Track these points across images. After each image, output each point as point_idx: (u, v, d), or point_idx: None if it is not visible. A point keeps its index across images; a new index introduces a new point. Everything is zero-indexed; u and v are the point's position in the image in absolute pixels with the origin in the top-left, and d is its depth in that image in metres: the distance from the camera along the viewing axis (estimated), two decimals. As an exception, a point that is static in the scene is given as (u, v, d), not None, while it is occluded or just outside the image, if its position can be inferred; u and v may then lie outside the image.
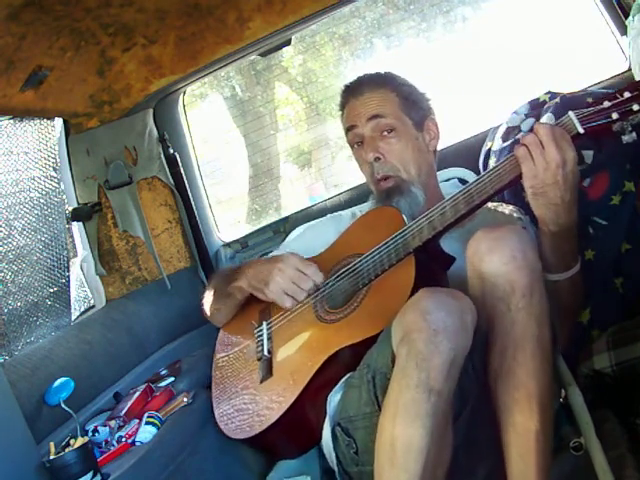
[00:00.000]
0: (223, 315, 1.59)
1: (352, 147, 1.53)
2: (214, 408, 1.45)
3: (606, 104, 1.11)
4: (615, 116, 1.10)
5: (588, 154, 1.46)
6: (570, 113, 1.15)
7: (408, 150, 1.46)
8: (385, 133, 1.45)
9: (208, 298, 1.59)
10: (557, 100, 1.56)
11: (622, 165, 1.49)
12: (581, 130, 1.13)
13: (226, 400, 1.44)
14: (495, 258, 1.08)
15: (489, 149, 1.71)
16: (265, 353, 1.41)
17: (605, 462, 1.10)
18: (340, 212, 1.68)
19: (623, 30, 1.70)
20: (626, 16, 1.62)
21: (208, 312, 1.60)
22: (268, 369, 1.39)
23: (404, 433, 0.98)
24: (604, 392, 1.31)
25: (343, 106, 1.54)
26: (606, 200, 1.49)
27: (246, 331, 1.52)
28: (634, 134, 1.10)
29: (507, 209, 1.49)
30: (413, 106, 1.49)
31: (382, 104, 1.46)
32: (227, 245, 2.12)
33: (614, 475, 1.08)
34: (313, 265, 1.40)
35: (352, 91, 1.51)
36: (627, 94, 1.10)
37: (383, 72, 1.54)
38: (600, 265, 1.49)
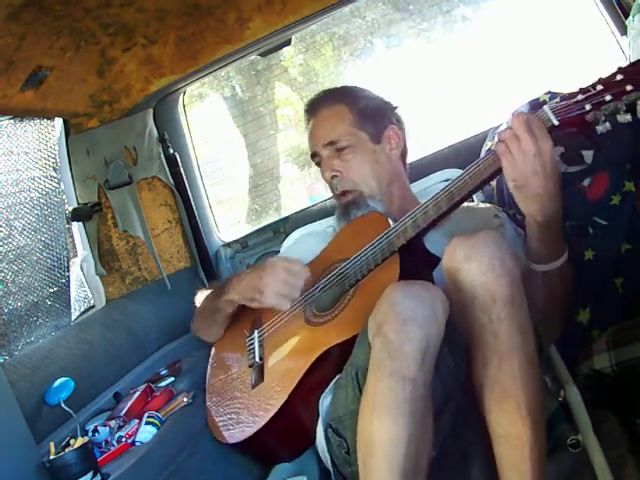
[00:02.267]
0: (214, 332, 1.60)
1: (317, 167, 1.57)
2: (208, 419, 1.44)
3: (579, 97, 1.12)
4: (588, 107, 1.11)
5: (588, 154, 1.47)
6: (545, 107, 1.16)
7: (365, 164, 1.49)
8: (340, 151, 1.49)
9: (197, 317, 1.60)
10: (557, 100, 1.56)
11: (622, 165, 1.49)
12: (555, 122, 1.14)
13: (220, 408, 1.44)
14: (473, 267, 1.06)
15: (489, 149, 1.71)
16: (256, 359, 1.42)
17: (604, 461, 1.09)
18: (328, 221, 1.68)
19: (623, 30, 1.70)
20: (626, 16, 1.62)
21: (199, 330, 1.62)
22: (260, 375, 1.40)
23: (382, 423, 0.98)
24: (604, 392, 1.31)
25: (307, 125, 1.58)
26: (606, 200, 1.49)
27: (238, 342, 1.53)
28: (608, 124, 1.10)
29: (484, 207, 1.50)
30: (369, 120, 1.51)
31: (335, 125, 1.50)
32: (227, 245, 2.13)
33: (613, 475, 1.08)
34: (299, 261, 1.41)
35: (310, 110, 1.57)
36: (599, 87, 1.11)
37: (340, 87, 1.60)
38: (600, 265, 1.49)
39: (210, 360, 1.60)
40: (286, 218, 2.09)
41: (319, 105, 1.55)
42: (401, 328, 0.99)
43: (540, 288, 1.22)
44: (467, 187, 1.22)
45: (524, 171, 1.13)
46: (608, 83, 1.10)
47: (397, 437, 0.97)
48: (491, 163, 1.20)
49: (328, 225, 1.66)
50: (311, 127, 1.56)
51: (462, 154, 1.82)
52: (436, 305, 1.03)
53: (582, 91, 1.13)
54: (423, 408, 1.00)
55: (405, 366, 0.98)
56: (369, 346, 1.07)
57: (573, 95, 1.13)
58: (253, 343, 1.47)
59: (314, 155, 1.55)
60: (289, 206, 4.87)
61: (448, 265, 1.11)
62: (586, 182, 1.49)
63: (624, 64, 1.76)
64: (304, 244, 1.63)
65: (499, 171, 1.19)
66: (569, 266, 1.27)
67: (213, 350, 1.61)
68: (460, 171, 1.73)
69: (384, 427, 0.98)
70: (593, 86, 1.12)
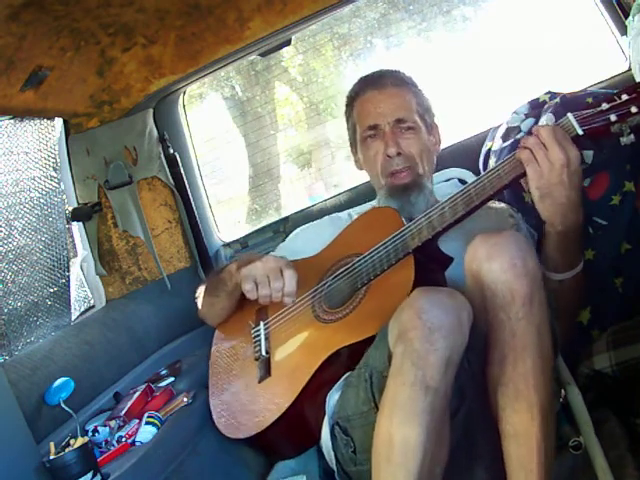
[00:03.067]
0: (217, 310, 1.57)
1: (364, 140, 1.51)
2: (212, 409, 1.44)
3: (604, 106, 1.11)
4: (614, 118, 1.10)
5: (588, 154, 1.46)
6: (569, 115, 1.15)
7: (424, 148, 1.49)
8: (404, 130, 1.47)
9: (202, 294, 1.58)
10: (557, 100, 1.56)
11: (622, 165, 1.49)
12: (580, 132, 1.13)
13: (224, 400, 1.44)
14: (494, 265, 1.07)
15: (489, 149, 1.71)
16: (263, 353, 1.41)
17: (604, 461, 1.10)
18: (337, 214, 1.69)
19: (623, 30, 1.70)
20: (626, 16, 1.62)
21: (203, 309, 1.59)
22: (266, 369, 1.39)
23: (401, 431, 0.98)
24: (604, 392, 1.31)
25: (356, 96, 1.53)
26: (606, 200, 1.49)
27: (243, 331, 1.52)
28: (632, 136, 1.10)
29: (499, 206, 1.50)
30: (426, 110, 1.53)
31: (405, 105, 1.48)
32: (227, 245, 2.12)
33: (614, 474, 1.08)
34: (294, 274, 1.37)
35: (373, 82, 1.51)
36: (625, 96, 1.10)
37: (402, 72, 1.56)
38: (600, 265, 1.49)
39: (213, 349, 1.58)
40: (286, 218, 2.09)
41: (386, 80, 1.50)
42: (427, 337, 0.99)
43: (553, 296, 1.22)
44: (486, 192, 1.21)
45: (550, 180, 1.13)
46: (634, 93, 1.09)
47: (416, 446, 0.97)
48: (511, 169, 1.19)
49: (347, 213, 1.65)
50: (375, 99, 1.49)
51: (462, 154, 1.82)
52: (461, 314, 1.03)
53: (607, 99, 1.11)
54: (442, 418, 1.01)
55: (429, 376, 0.98)
56: (388, 350, 1.07)
57: (596, 103, 1.12)
58: (259, 336, 1.46)
59: (374, 127, 1.48)
60: (289, 206, 4.87)
61: (470, 263, 1.11)
62: (586, 182, 1.49)
63: (624, 64, 1.77)
64: (311, 234, 1.62)
65: (519, 177, 1.18)
66: (583, 276, 1.27)
67: (215, 339, 1.60)
68: (460, 170, 1.75)
69: (404, 435, 0.97)
70: (618, 95, 1.11)
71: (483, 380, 1.10)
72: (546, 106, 1.58)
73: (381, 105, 1.48)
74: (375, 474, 1.02)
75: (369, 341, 1.20)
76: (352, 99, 1.55)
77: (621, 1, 1.72)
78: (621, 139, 1.11)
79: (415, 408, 0.98)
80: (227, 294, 1.51)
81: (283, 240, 1.83)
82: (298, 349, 1.37)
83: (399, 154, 1.45)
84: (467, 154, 1.79)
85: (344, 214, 1.65)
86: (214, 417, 1.43)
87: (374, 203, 1.61)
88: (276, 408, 1.30)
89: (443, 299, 1.05)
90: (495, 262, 1.07)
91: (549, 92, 1.63)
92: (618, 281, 1.51)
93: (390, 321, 1.09)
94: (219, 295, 1.53)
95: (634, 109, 1.08)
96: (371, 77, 1.53)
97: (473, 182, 1.24)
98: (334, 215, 1.68)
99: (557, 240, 1.21)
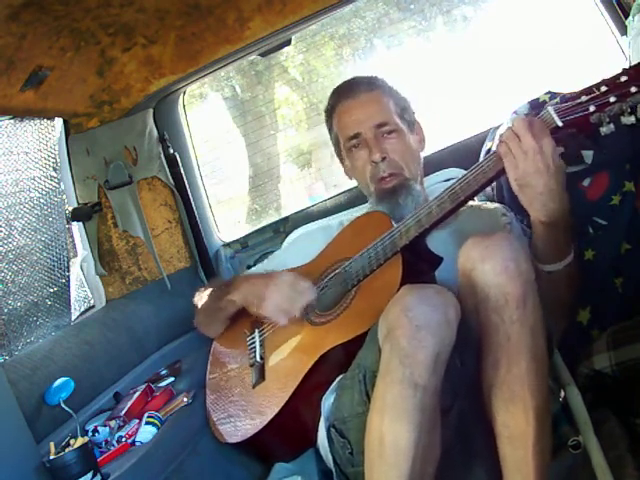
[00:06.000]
0: (216, 328, 1.60)
1: (349, 151, 1.52)
2: (209, 417, 1.45)
3: (583, 98, 1.12)
4: (592, 108, 1.11)
5: (588, 154, 1.47)
6: (549, 108, 1.16)
7: (408, 150, 1.49)
8: (386, 135, 1.47)
9: (199, 313, 1.60)
10: (557, 100, 1.56)
11: (622, 165, 1.49)
12: (560, 123, 1.14)
13: (220, 407, 1.45)
14: (487, 268, 1.07)
15: (489, 149, 1.71)
16: (257, 359, 1.42)
17: (604, 461, 1.09)
18: (328, 222, 1.69)
19: (623, 30, 1.70)
20: (626, 16, 1.62)
21: (200, 325, 1.61)
22: (260, 374, 1.40)
23: (392, 429, 0.98)
24: (604, 392, 1.31)
25: (333, 109, 1.55)
26: (606, 200, 1.49)
27: (239, 341, 1.53)
28: (612, 125, 1.10)
29: (491, 206, 1.50)
30: (404, 109, 1.53)
31: (382, 109, 1.48)
32: (227, 245, 2.13)
33: (613, 475, 1.08)
34: (307, 282, 1.39)
35: (346, 91, 1.52)
36: (604, 88, 1.11)
37: (372, 76, 1.56)
38: (600, 265, 1.49)
39: (210, 359, 1.60)
40: (286, 218, 2.09)
41: (358, 87, 1.51)
42: (414, 335, 0.99)
43: (544, 288, 1.22)
44: (471, 187, 1.22)
45: (526, 170, 1.13)
46: (612, 84, 1.10)
47: (407, 444, 0.97)
48: (494, 164, 1.20)
49: (338, 220, 1.66)
50: (351, 108, 1.50)
51: (462, 154, 1.82)
52: (449, 311, 1.03)
53: (586, 92, 1.12)
54: (433, 415, 1.00)
55: (417, 373, 0.98)
56: (379, 349, 1.07)
57: (576, 96, 1.13)
58: (254, 342, 1.47)
59: (355, 137, 1.49)
60: (289, 206, 4.87)
61: (463, 265, 1.11)
62: (586, 182, 1.49)
63: (624, 64, 1.76)
64: (303, 243, 1.63)
65: (502, 172, 1.19)
66: (575, 267, 1.27)
67: (213, 348, 1.61)
68: (460, 170, 1.75)
69: (395, 434, 0.97)
70: (597, 87, 1.11)
71: (477, 381, 1.10)
72: (546, 106, 1.58)
73: (358, 113, 1.49)
74: (368, 473, 1.01)
75: (360, 340, 1.20)
76: (330, 112, 1.56)
77: (621, 1, 1.72)
78: (601, 129, 1.11)
79: (405, 406, 0.98)
80: (227, 318, 1.56)
81: (283, 240, 1.83)
82: (291, 353, 1.38)
83: (384, 159, 1.46)
84: (467, 154, 1.79)
85: (335, 222, 1.66)
86: (211, 425, 1.43)
87: (368, 206, 1.61)
88: (269, 411, 1.30)
89: (430, 296, 1.04)
90: (487, 264, 1.07)
91: (549, 92, 1.63)
92: (618, 281, 1.51)
93: (379, 319, 1.09)
94: (219, 318, 1.56)
95: (612, 98, 1.09)
96: (344, 87, 1.55)
97: (459, 179, 1.25)
98: (325, 224, 1.69)
99: (542, 231, 1.20)
